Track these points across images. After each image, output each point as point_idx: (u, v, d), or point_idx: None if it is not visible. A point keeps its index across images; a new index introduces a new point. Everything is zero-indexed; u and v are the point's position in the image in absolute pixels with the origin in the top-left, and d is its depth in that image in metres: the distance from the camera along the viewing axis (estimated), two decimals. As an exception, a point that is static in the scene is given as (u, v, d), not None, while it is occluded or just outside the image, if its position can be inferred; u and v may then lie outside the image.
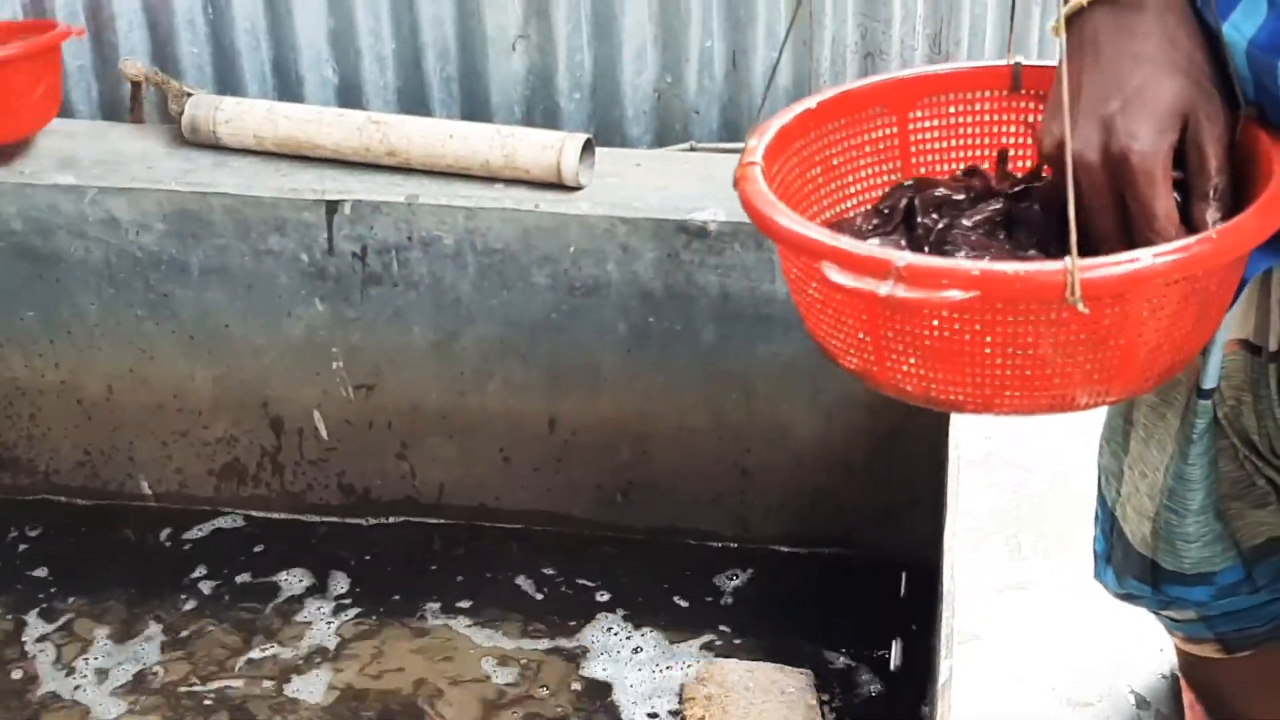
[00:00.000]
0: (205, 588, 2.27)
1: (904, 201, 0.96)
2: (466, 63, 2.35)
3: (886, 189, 1.00)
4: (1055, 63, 0.89)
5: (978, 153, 1.02)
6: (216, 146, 2.26)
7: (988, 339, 0.81)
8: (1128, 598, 1.18)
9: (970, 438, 1.78)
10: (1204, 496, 1.05)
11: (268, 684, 2.09)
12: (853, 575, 2.24)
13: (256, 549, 2.35)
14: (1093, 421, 1.69)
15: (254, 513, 2.41)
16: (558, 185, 2.14)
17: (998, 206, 0.93)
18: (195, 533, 2.39)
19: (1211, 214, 0.82)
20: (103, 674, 2.11)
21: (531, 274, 2.15)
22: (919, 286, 0.78)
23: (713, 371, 2.18)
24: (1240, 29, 0.83)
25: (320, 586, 2.27)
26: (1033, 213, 0.91)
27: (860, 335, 0.85)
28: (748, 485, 2.27)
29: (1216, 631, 1.16)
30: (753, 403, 2.20)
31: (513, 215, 2.13)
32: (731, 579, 2.26)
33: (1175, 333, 0.82)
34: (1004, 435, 1.77)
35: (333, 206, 2.17)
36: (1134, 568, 1.13)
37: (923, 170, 1.01)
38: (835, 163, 1.00)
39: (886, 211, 0.96)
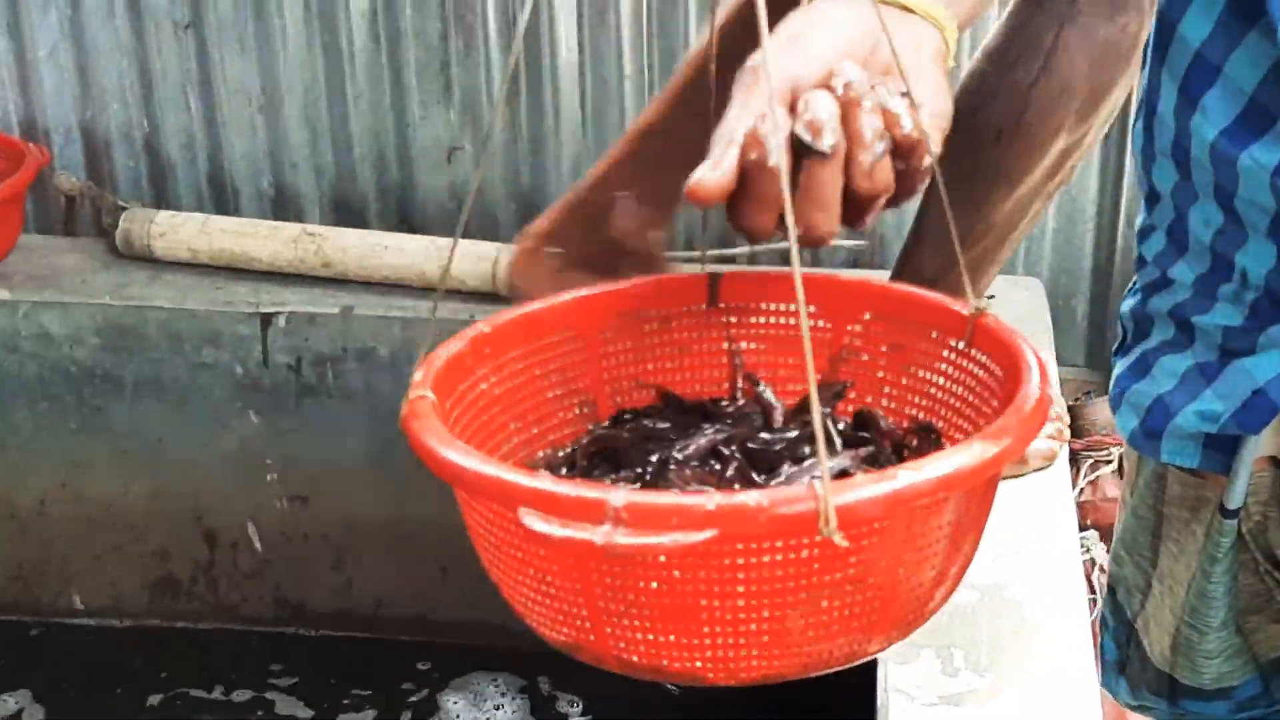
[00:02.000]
0: (138, 700, 2.24)
1: (602, 438, 0.85)
2: (402, 174, 2.37)
3: (580, 426, 0.88)
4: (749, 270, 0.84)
5: (677, 376, 0.90)
6: (151, 260, 2.26)
7: (727, 589, 0.67)
8: (1140, 709, 1.18)
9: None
10: (1225, 612, 1.05)
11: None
12: (785, 686, 2.23)
13: (190, 662, 2.33)
14: (1022, 530, 1.71)
15: (187, 625, 2.39)
16: (494, 296, 2.15)
17: (712, 434, 0.82)
18: (128, 646, 2.36)
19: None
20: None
21: (467, 385, 2.16)
22: (643, 529, 0.63)
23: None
24: (1263, 159, 0.86)
25: (259, 700, 2.24)
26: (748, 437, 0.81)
27: (571, 599, 0.71)
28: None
29: None
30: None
31: (449, 326, 2.13)
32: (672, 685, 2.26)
33: (939, 561, 0.73)
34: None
35: (267, 319, 2.17)
36: (1151, 681, 1.13)
37: (618, 400, 0.90)
38: (519, 397, 0.88)
39: (582, 454, 0.85)
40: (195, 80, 2.35)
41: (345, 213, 2.39)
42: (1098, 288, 2.25)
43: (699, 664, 0.70)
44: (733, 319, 0.89)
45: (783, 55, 0.69)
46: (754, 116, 0.68)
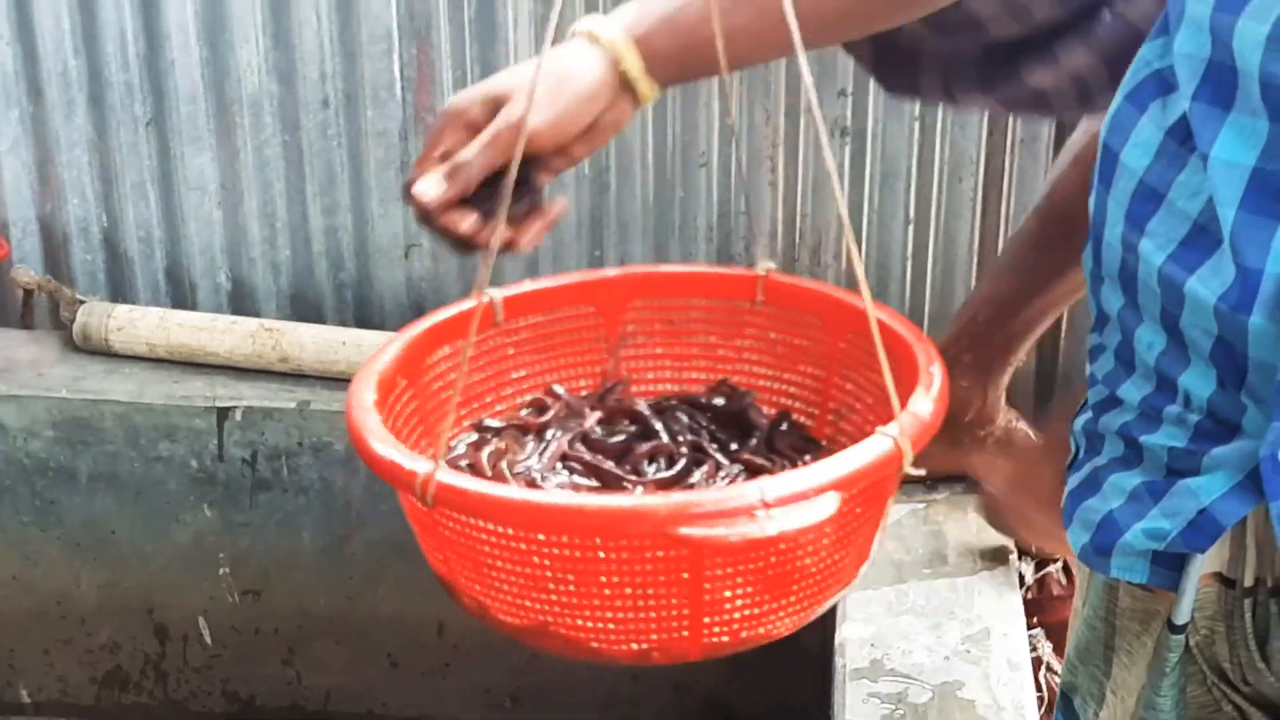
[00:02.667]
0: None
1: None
2: (360, 270, 2.40)
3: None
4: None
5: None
6: (108, 354, 2.27)
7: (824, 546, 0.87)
8: None
9: (855, 645, 1.81)
10: None
11: None
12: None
13: (138, 758, 2.32)
14: (975, 629, 1.74)
15: (136, 720, 2.38)
16: (449, 392, 2.18)
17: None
18: (74, 742, 2.34)
19: None
20: None
21: (423, 480, 2.17)
22: (790, 511, 0.80)
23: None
24: (1208, 285, 0.90)
25: (204, 798, 2.24)
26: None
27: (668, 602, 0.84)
28: (638, 689, 2.28)
29: None
30: (642, 606, 2.22)
31: (404, 422, 2.16)
32: (622, 784, 2.26)
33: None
34: (889, 643, 1.80)
35: (224, 413, 2.18)
36: None
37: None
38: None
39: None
40: (155, 175, 2.37)
41: (302, 307, 2.41)
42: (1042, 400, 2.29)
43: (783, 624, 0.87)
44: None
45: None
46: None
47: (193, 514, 2.23)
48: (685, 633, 0.83)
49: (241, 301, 2.41)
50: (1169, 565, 0.98)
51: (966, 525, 1.94)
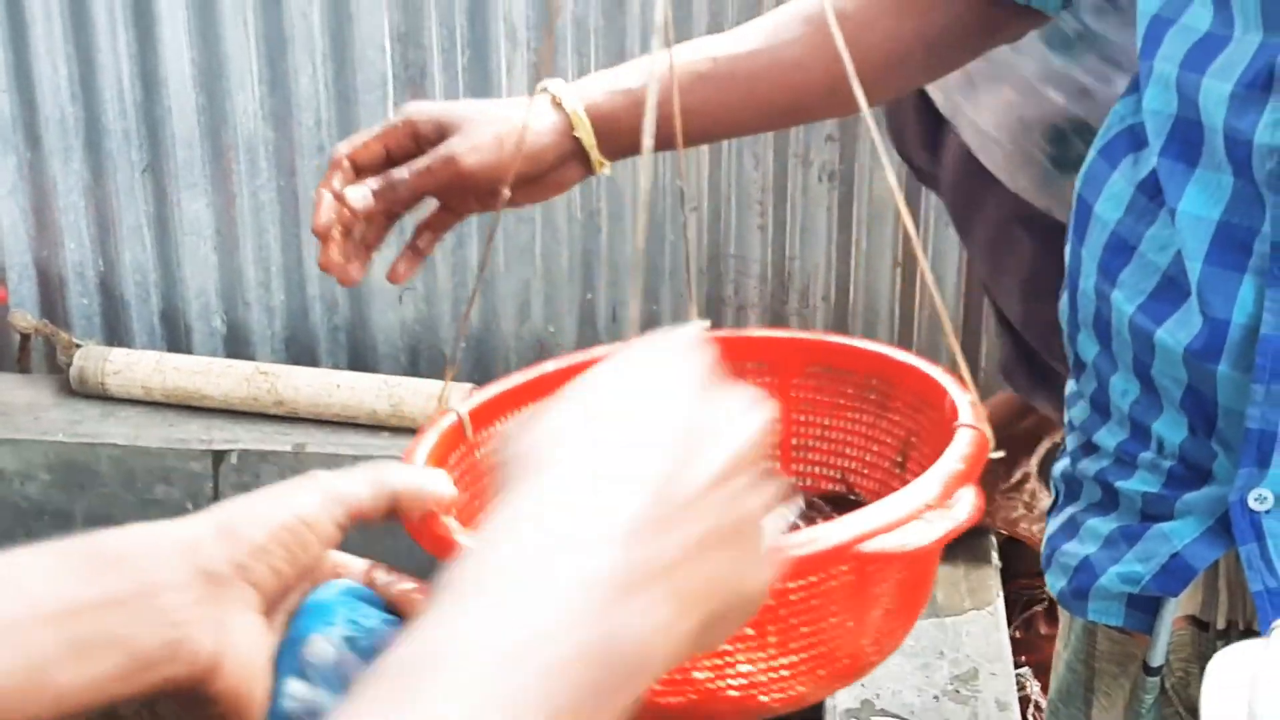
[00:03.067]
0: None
1: None
2: (354, 313, 2.42)
3: None
4: None
5: None
6: (105, 397, 2.29)
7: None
8: None
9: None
10: None
11: None
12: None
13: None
14: (964, 669, 1.76)
15: (131, 763, 2.38)
16: (442, 434, 2.19)
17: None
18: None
19: None
20: None
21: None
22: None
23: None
24: (1175, 336, 0.92)
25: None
26: None
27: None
28: None
29: None
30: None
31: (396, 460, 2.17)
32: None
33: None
34: (879, 683, 1.82)
35: (219, 456, 2.20)
36: None
37: None
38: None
39: None
40: (151, 220, 2.40)
41: (296, 350, 2.44)
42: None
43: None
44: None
45: None
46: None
47: (188, 556, 2.24)
48: (847, 661, 0.80)
49: (236, 345, 2.44)
50: (1144, 609, 1.00)
51: (955, 566, 1.96)
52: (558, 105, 1.06)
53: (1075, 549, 1.04)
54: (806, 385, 1.00)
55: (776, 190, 2.29)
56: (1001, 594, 1.92)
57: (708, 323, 0.98)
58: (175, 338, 2.45)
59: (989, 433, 0.81)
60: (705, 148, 2.26)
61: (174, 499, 2.22)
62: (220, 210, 2.39)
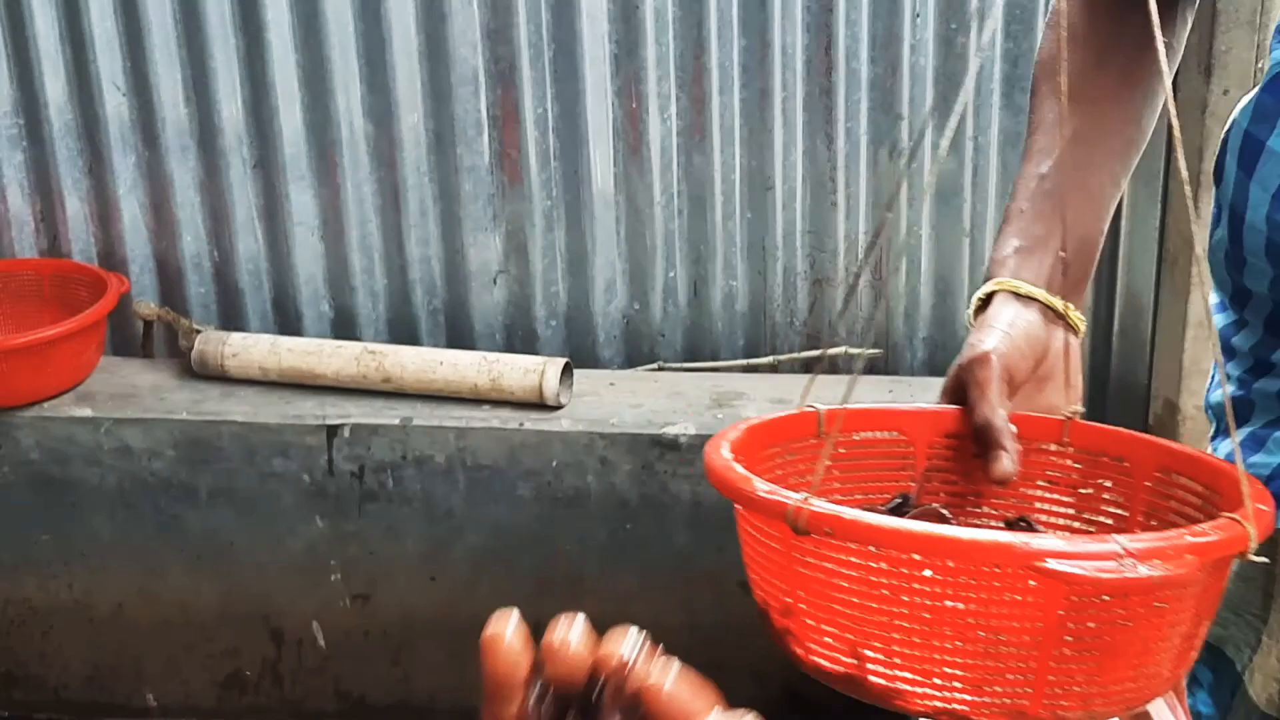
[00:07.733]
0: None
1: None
2: (452, 295, 2.57)
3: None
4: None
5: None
6: (224, 378, 2.44)
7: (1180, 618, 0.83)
8: None
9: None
10: None
11: None
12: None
13: (256, 756, 2.47)
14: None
15: (254, 721, 2.54)
16: (540, 405, 2.33)
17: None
18: (197, 743, 2.50)
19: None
20: None
21: (517, 487, 2.33)
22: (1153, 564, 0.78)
23: (687, 573, 2.35)
24: None
25: (321, 789, 2.38)
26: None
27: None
28: (721, 679, 2.41)
29: None
30: (724, 602, 2.36)
31: (499, 434, 2.32)
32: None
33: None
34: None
35: (333, 430, 2.35)
36: None
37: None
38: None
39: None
40: (261, 212, 2.55)
41: (399, 331, 2.58)
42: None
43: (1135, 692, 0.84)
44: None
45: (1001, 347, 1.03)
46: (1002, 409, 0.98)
47: (305, 525, 2.39)
48: (1029, 690, 0.82)
49: (343, 328, 2.59)
50: None
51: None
52: (1026, 297, 1.09)
53: (1264, 460, 1.10)
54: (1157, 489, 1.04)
55: (848, 168, 2.41)
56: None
57: (1081, 409, 1.08)
58: (286, 322, 2.60)
59: (1253, 533, 0.81)
60: (779, 130, 2.38)
61: (291, 471, 2.37)
62: (326, 202, 2.53)
